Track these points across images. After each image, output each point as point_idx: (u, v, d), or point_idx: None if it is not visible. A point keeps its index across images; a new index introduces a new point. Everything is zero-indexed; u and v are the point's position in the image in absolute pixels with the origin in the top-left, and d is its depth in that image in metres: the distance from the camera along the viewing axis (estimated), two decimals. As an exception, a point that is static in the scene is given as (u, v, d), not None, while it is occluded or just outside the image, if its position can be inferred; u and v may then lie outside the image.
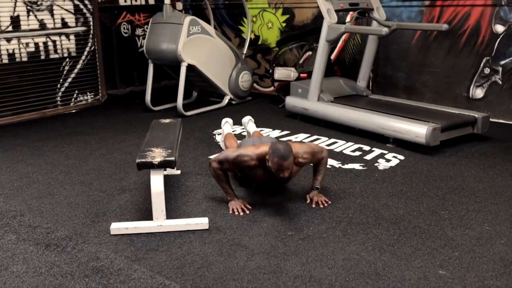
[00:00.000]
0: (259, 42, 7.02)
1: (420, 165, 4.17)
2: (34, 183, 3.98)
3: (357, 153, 4.49)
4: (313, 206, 3.41)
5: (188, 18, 5.80)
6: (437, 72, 5.51)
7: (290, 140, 3.56)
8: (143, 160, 3.10)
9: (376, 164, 4.20)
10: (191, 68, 5.90)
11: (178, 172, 4.12)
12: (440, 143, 4.44)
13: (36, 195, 3.73)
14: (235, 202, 3.40)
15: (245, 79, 6.47)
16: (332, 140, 4.88)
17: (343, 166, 4.17)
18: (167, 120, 4.03)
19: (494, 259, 2.73)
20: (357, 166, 4.17)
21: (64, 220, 3.33)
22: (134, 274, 2.67)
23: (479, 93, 5.35)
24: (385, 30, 4.59)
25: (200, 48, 5.94)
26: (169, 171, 4.07)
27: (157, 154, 3.16)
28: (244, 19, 6.96)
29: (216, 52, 6.15)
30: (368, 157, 4.39)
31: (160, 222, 3.13)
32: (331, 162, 4.27)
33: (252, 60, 7.13)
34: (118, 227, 3.13)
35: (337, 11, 5.13)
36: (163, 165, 3.09)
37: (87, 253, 2.89)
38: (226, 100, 6.42)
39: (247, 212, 3.35)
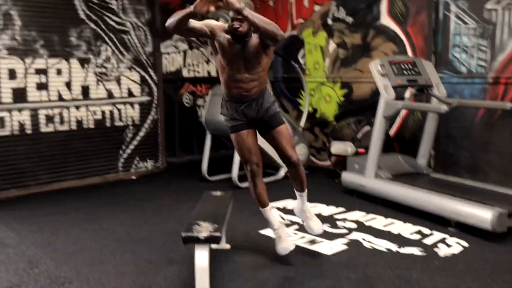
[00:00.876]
0: (317, 115, 7.02)
1: (485, 254, 3.88)
2: (86, 249, 4.02)
3: (416, 236, 4.26)
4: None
5: (247, 91, 5.90)
6: (503, 152, 5.26)
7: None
8: (189, 234, 3.06)
9: (436, 250, 3.96)
10: (248, 140, 5.93)
11: (228, 246, 4.04)
12: (508, 230, 4.15)
13: (87, 262, 3.76)
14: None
15: (301, 152, 6.43)
16: (390, 220, 4.68)
17: (400, 250, 3.95)
18: (218, 193, 4.02)
19: None
20: (415, 250, 3.94)
21: (110, 291, 3.30)
22: None
23: (549, 176, 5.04)
24: (444, 108, 4.47)
25: (258, 120, 5.99)
26: (219, 245, 4.00)
27: (204, 229, 3.12)
28: (302, 92, 7.02)
29: (274, 125, 6.17)
30: (428, 241, 4.15)
31: (204, 301, 3.04)
32: (387, 245, 4.07)
33: (310, 133, 7.11)
34: (161, 302, 3.06)
35: (394, 87, 5.07)
36: (209, 240, 3.04)
37: (129, 329, 2.83)
38: (282, 173, 6.38)
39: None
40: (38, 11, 5.87)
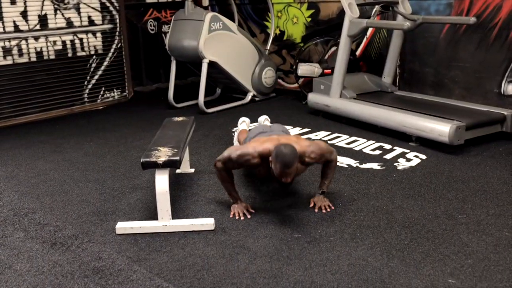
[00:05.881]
0: (284, 38, 6.91)
1: (442, 165, 3.99)
2: (50, 180, 4.01)
3: (377, 152, 4.34)
4: (316, 211, 3.28)
5: (210, 14, 5.75)
6: (466, 67, 5.28)
7: (299, 137, 3.42)
8: (148, 159, 3.06)
9: (395, 164, 4.05)
10: (213, 65, 5.86)
11: (192, 170, 4.08)
12: (466, 142, 4.25)
13: (50, 193, 3.76)
14: (238, 206, 3.30)
15: (268, 76, 6.38)
16: (353, 138, 4.74)
17: (361, 166, 4.04)
18: (180, 118, 3.99)
19: (510, 267, 2.57)
20: (375, 165, 4.03)
21: (73, 218, 3.33)
22: (133, 275, 2.64)
23: (511, 89, 5.09)
24: (406, 25, 4.41)
25: (222, 44, 5.88)
26: (183, 169, 4.04)
27: (163, 154, 3.12)
28: (269, 14, 6.87)
29: (238, 49, 6.08)
30: (388, 156, 4.24)
31: (165, 222, 3.09)
32: (348, 161, 4.15)
33: (277, 56, 7.02)
34: (123, 226, 3.11)
35: (359, 5, 4.98)
36: (167, 164, 3.05)
37: (91, 253, 2.88)
38: (249, 97, 6.35)
39: (248, 216, 3.23)
40: None
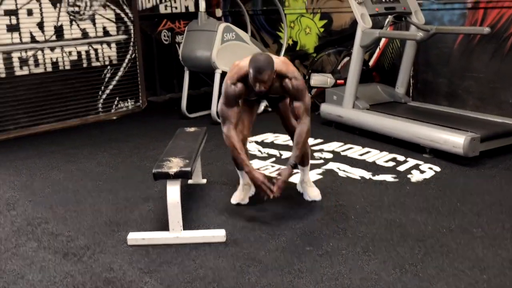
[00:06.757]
0: (297, 48, 6.91)
1: (457, 178, 3.94)
2: (63, 190, 4.04)
3: (391, 164, 4.30)
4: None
5: (222, 25, 5.78)
6: (481, 77, 5.23)
7: (285, 59, 3.36)
8: (159, 170, 3.07)
9: (409, 176, 4.01)
10: (225, 75, 5.86)
11: (204, 181, 4.08)
12: (481, 154, 4.19)
13: (63, 203, 3.78)
14: (259, 177, 3.19)
15: (281, 86, 6.37)
16: (366, 149, 4.71)
17: (374, 178, 4.00)
18: (192, 129, 4.00)
19: (525, 283, 2.52)
20: (388, 177, 3.99)
21: (85, 228, 3.34)
22: (144, 287, 2.63)
23: (527, 100, 5.03)
24: (419, 35, 4.39)
25: (235, 55, 5.88)
26: (195, 180, 4.04)
27: (174, 164, 3.12)
28: (282, 25, 6.88)
29: (252, 59, 6.08)
30: (402, 168, 4.20)
31: (176, 234, 3.09)
32: (361, 173, 4.11)
33: (291, 66, 7.02)
34: (135, 237, 3.11)
35: (372, 15, 4.96)
36: (179, 175, 3.05)
37: (102, 264, 2.88)
38: (262, 107, 6.32)
39: (274, 190, 3.16)
40: None
